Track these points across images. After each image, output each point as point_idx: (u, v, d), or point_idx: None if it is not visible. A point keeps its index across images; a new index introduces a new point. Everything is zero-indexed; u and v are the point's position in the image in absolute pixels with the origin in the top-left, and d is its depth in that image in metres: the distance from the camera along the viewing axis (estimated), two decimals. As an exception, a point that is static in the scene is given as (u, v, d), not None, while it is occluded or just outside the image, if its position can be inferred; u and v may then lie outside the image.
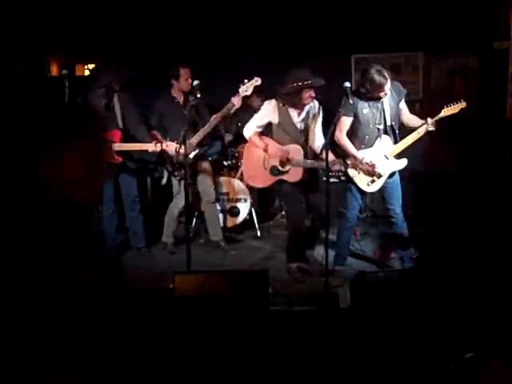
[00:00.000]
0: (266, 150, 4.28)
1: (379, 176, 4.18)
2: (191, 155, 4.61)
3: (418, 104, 6.08)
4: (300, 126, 4.29)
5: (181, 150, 3.87)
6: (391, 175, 4.23)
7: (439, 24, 5.97)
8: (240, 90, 4.42)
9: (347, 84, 3.72)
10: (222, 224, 5.38)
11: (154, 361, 2.98)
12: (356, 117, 4.13)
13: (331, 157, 3.89)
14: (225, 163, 5.89)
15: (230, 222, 5.63)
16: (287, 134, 4.27)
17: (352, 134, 4.19)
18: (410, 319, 2.95)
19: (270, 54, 6.28)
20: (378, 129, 4.15)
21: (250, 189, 5.56)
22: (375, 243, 5.23)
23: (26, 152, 4.98)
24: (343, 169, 4.09)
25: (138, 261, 4.86)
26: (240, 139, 5.54)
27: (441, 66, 6.33)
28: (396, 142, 4.18)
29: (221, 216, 5.43)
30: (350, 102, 3.75)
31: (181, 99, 4.86)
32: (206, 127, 4.60)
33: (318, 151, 4.27)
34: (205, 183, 4.98)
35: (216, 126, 4.77)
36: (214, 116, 4.57)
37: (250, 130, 4.34)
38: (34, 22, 5.97)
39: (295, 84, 4.04)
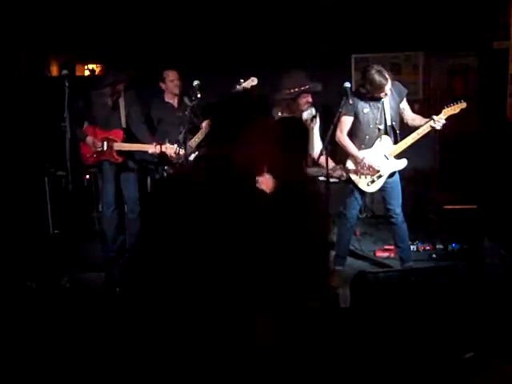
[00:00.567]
0: None
1: (379, 176, 4.18)
2: (191, 157, 4.61)
3: (417, 104, 6.08)
4: None
5: (181, 152, 3.86)
6: (391, 175, 4.23)
7: (439, 24, 5.97)
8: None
9: (347, 84, 3.72)
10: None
11: (154, 360, 2.98)
12: (356, 117, 4.13)
13: (331, 163, 3.85)
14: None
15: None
16: None
17: (352, 134, 4.19)
18: (409, 319, 2.95)
19: (269, 54, 6.28)
20: (379, 129, 4.15)
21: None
22: (375, 243, 5.24)
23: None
24: (344, 175, 4.10)
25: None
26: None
27: (441, 66, 6.32)
28: (396, 142, 4.18)
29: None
30: (350, 101, 3.75)
31: (174, 102, 4.86)
32: (204, 129, 4.60)
33: (317, 158, 4.24)
34: None
35: None
36: (205, 121, 4.56)
37: None
38: (34, 22, 5.97)
39: (292, 90, 4.01)
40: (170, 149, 4.39)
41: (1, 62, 5.63)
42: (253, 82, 4.41)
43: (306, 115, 4.22)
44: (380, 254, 4.91)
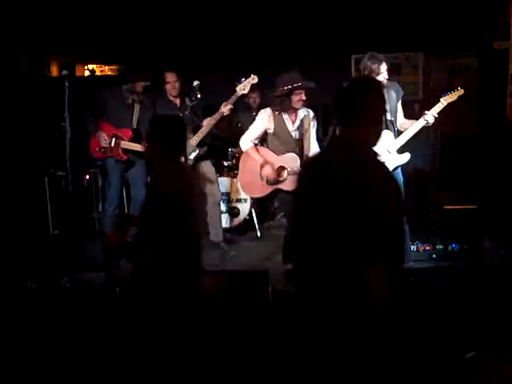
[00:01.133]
0: (263, 166, 4.24)
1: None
2: (191, 156, 4.61)
3: (417, 104, 6.09)
4: (295, 134, 4.25)
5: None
6: (393, 170, 4.21)
7: (439, 24, 5.98)
8: (237, 89, 4.42)
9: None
10: (224, 225, 5.35)
11: (154, 360, 2.98)
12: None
13: None
14: (225, 163, 5.88)
15: (230, 223, 5.63)
16: (283, 142, 4.21)
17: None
18: (409, 319, 2.95)
19: (269, 54, 6.28)
20: (380, 123, 4.13)
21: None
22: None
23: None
24: None
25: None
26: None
27: (441, 66, 6.33)
28: (396, 137, 4.18)
29: (223, 217, 5.40)
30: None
31: (177, 102, 4.87)
32: (204, 128, 4.60)
33: None
34: (210, 184, 4.96)
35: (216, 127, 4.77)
36: (206, 120, 4.58)
37: (247, 143, 4.28)
38: (34, 22, 5.97)
39: (285, 87, 4.02)
40: None
41: (1, 62, 5.63)
42: (253, 80, 4.41)
43: (301, 115, 4.22)
44: None
